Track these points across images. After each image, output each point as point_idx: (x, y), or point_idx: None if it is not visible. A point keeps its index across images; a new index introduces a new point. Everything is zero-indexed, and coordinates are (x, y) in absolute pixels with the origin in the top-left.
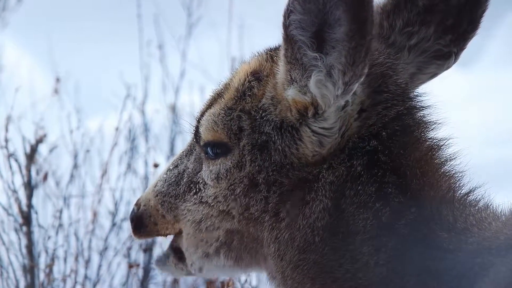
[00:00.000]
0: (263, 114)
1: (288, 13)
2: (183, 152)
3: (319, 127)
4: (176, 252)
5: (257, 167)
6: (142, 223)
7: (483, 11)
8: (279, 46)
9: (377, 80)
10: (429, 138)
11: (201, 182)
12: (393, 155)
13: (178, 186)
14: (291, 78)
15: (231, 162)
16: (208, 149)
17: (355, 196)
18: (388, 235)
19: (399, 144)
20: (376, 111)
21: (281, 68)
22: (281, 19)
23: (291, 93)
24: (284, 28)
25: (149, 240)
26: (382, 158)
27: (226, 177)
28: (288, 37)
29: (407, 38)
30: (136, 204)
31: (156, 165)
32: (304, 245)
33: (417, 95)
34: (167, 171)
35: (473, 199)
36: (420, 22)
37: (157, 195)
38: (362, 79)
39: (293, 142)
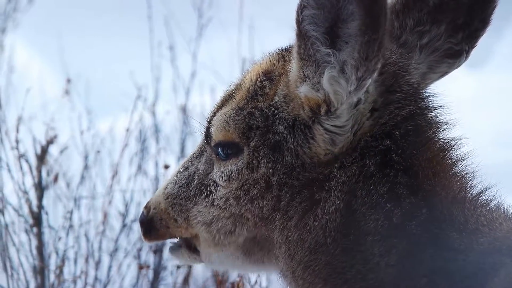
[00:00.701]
0: (275, 112)
1: (301, 8)
2: (193, 154)
3: (332, 125)
4: (189, 246)
5: (270, 167)
6: (153, 226)
7: (493, 8)
8: (290, 46)
9: (389, 80)
10: (441, 139)
11: (212, 184)
12: (406, 155)
13: (189, 188)
14: (304, 75)
15: (243, 163)
16: (219, 149)
17: (366, 197)
18: (399, 236)
19: (411, 144)
20: (388, 110)
21: (294, 65)
22: (294, 14)
23: (303, 90)
24: (298, 23)
25: (160, 242)
26: (394, 158)
27: (237, 177)
28: (301, 33)
29: (419, 38)
30: (145, 207)
31: (166, 166)
32: (315, 246)
33: (429, 95)
34: (177, 173)
35: (484, 200)
36: (431, 21)
37: (167, 198)
38: (375, 75)
39: (305, 141)
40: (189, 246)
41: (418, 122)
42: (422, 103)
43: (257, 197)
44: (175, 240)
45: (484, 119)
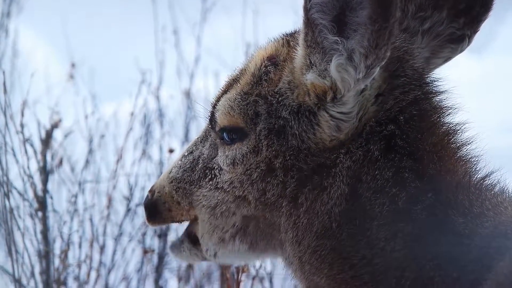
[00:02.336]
0: (279, 99)
1: None
2: (198, 138)
3: (337, 112)
4: (191, 237)
5: (274, 152)
6: (157, 210)
7: None
8: (296, 31)
9: (394, 65)
10: (446, 123)
11: (216, 168)
12: (410, 139)
13: (193, 172)
14: (311, 62)
15: (247, 147)
16: (224, 134)
17: (372, 181)
18: (405, 220)
19: (416, 128)
20: (393, 96)
21: (299, 52)
22: (302, 2)
23: (310, 77)
24: (305, 11)
25: (164, 226)
26: (399, 143)
27: (242, 162)
28: (309, 21)
29: (420, 23)
30: (150, 191)
31: (171, 151)
32: (321, 231)
33: (433, 80)
34: (182, 157)
35: (489, 184)
36: (433, 6)
37: (171, 182)
38: (383, 63)
39: (310, 127)
40: (190, 238)
41: (423, 107)
42: (427, 87)
43: (258, 180)
44: (179, 235)
45: (489, 103)
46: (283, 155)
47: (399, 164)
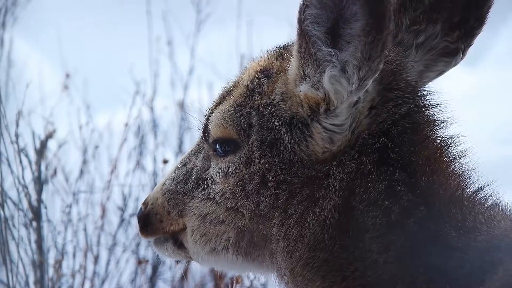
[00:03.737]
0: (272, 110)
1: (304, 8)
2: (191, 150)
3: (330, 124)
4: (176, 241)
5: (266, 164)
6: (149, 221)
7: (489, 7)
8: (289, 44)
9: (387, 78)
10: (438, 136)
11: (209, 179)
12: (403, 152)
13: (186, 184)
14: (304, 74)
15: (240, 159)
16: (217, 146)
17: (364, 194)
18: (397, 233)
19: (409, 141)
20: (386, 109)
21: (293, 63)
22: (296, 14)
23: (303, 88)
24: (299, 22)
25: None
26: (392, 156)
27: (235, 174)
28: (302, 32)
29: (414, 36)
30: (143, 204)
31: (165, 161)
32: (314, 243)
33: (426, 93)
34: (175, 169)
35: (482, 197)
36: (427, 20)
37: (165, 193)
38: (376, 75)
39: (303, 139)
40: (176, 242)
41: (416, 120)
42: (420, 101)
43: (253, 192)
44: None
45: (481, 116)
46: (275, 168)
47: (391, 176)
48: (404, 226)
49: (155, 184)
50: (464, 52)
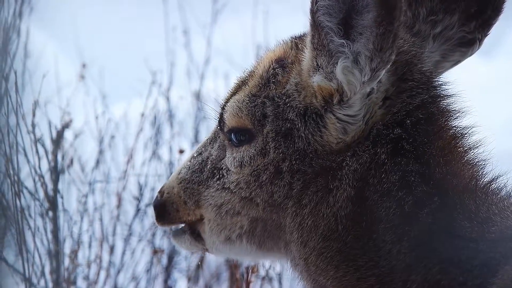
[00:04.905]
0: (286, 100)
1: None
2: (207, 139)
3: (344, 114)
4: (194, 232)
5: (281, 154)
6: (165, 210)
7: None
8: (304, 34)
9: (402, 68)
10: (453, 127)
11: (224, 169)
12: (417, 143)
13: (202, 173)
14: (317, 65)
15: (255, 149)
16: (232, 135)
17: (378, 184)
18: (411, 223)
19: (423, 132)
20: (400, 99)
21: (307, 54)
22: (308, 5)
23: (316, 79)
24: (312, 14)
25: (172, 227)
26: (406, 146)
27: (249, 164)
28: (315, 23)
29: (432, 27)
30: (159, 192)
31: (181, 151)
32: (327, 233)
33: (441, 84)
34: (191, 158)
35: (495, 188)
36: (444, 10)
37: (180, 182)
38: (388, 66)
39: (317, 129)
40: (193, 233)
41: (430, 111)
42: (435, 91)
43: (267, 183)
44: (181, 225)
45: (496, 106)
46: (289, 158)
47: (405, 167)
48: (417, 217)
49: (171, 174)
50: (480, 42)
